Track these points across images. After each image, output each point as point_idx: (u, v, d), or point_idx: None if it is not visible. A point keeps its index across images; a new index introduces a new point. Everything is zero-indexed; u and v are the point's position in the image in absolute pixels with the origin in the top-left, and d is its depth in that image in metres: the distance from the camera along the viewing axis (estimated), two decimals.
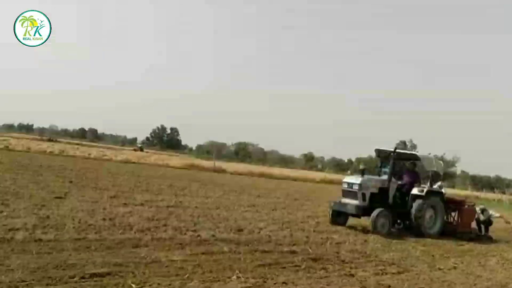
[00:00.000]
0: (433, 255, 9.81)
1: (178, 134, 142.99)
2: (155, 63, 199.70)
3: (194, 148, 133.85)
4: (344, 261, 7.88)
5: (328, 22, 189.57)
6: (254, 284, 5.69)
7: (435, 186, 13.57)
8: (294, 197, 20.84)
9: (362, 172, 12.74)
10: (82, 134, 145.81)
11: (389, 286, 6.49)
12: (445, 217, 13.54)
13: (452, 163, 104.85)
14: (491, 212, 15.07)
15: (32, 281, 4.85)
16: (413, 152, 13.27)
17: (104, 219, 8.90)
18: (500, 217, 15.46)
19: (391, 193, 12.73)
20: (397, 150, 12.90)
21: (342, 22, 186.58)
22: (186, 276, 5.68)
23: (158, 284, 5.18)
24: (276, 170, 50.40)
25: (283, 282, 5.93)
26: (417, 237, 11.97)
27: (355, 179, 12.47)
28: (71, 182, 15.49)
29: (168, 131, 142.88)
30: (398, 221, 13.21)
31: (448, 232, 13.19)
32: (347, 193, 12.53)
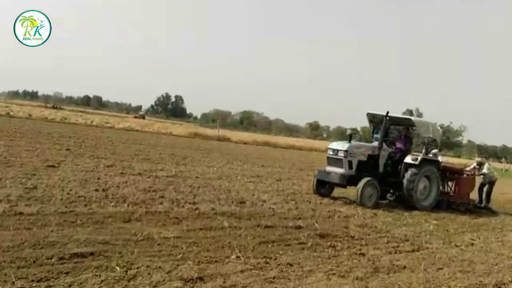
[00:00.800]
0: (447, 230, 9.23)
1: (182, 102, 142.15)
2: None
3: (199, 116, 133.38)
4: (353, 237, 7.29)
5: None
6: (255, 265, 5.09)
7: (430, 154, 12.47)
8: (300, 167, 20.23)
9: (350, 138, 11.56)
10: (86, 102, 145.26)
11: (404, 267, 5.90)
12: (440, 187, 12.47)
13: (458, 133, 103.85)
14: (487, 165, 14.18)
15: (2, 262, 4.27)
16: (407, 117, 11.95)
17: (96, 190, 8.32)
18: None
19: (382, 161, 11.65)
20: (389, 115, 11.69)
21: None
22: (180, 256, 5.09)
23: (147, 266, 4.59)
24: (281, 139, 49.78)
25: (288, 263, 5.34)
26: (425, 211, 11.37)
27: (341, 145, 11.26)
28: (68, 150, 14.91)
29: (173, 99, 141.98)
30: (391, 191, 12.29)
31: (443, 203, 12.23)
32: (332, 161, 11.37)
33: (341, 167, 11.01)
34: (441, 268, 6.13)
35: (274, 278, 4.76)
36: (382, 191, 11.52)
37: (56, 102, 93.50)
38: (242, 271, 4.84)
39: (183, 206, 7.89)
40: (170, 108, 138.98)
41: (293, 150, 39.26)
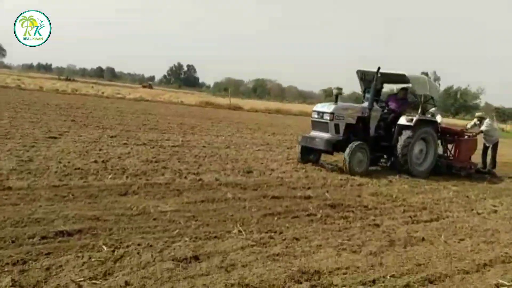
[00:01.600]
0: (467, 196, 8.70)
1: (195, 72, 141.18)
2: None
3: (211, 85, 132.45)
4: (367, 207, 6.81)
5: None
6: (257, 241, 4.65)
7: (429, 115, 11.46)
8: None
9: (336, 98, 10.19)
10: (99, 73, 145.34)
11: (423, 238, 5.42)
12: (439, 151, 11.50)
13: (476, 95, 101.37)
14: (488, 121, 12.66)
15: None
16: (401, 73, 10.83)
17: (95, 162, 7.93)
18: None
19: (373, 123, 10.56)
20: (381, 71, 10.53)
21: None
22: (176, 232, 4.68)
23: (138, 245, 4.18)
24: (294, 106, 48.95)
25: (294, 238, 4.89)
26: (445, 176, 10.81)
27: (327, 107, 10.07)
28: (73, 121, 14.54)
29: (185, 68, 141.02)
30: (385, 156, 11.22)
31: (442, 168, 11.29)
32: (318, 125, 10.22)
33: (327, 131, 9.92)
34: (462, 239, 5.64)
35: (278, 255, 4.32)
36: (374, 156, 10.60)
37: (70, 74, 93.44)
38: (243, 248, 4.40)
39: (185, 177, 7.46)
40: (183, 78, 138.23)
41: (305, 117, 38.49)
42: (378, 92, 11.39)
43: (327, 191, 7.53)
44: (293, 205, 6.36)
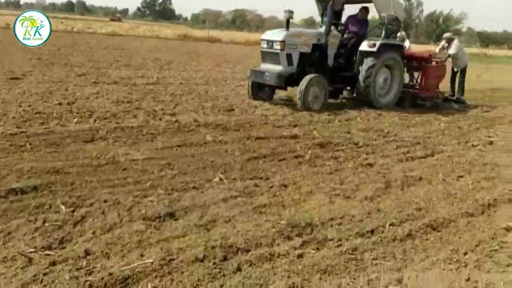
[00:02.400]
0: (459, 127, 8.29)
1: (170, 3, 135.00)
2: None
3: (188, 18, 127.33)
4: (357, 144, 6.33)
5: None
6: (241, 190, 4.15)
7: (396, 39, 10.13)
8: None
9: (287, 24, 8.82)
10: (70, 8, 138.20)
11: (420, 178, 4.99)
12: (404, 80, 10.26)
13: (458, 20, 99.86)
14: (457, 43, 11.20)
15: None
16: None
17: (59, 104, 7.20)
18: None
19: (331, 51, 9.22)
20: None
21: None
22: (148, 183, 4.13)
23: (104, 202, 3.63)
24: None
25: (282, 184, 4.40)
26: (438, 109, 10.34)
27: (277, 35, 8.69)
28: (39, 59, 13.48)
29: (160, 0, 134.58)
30: (348, 88, 10.05)
31: (407, 99, 10.16)
32: (267, 56, 8.95)
33: (278, 63, 8.65)
34: (461, 176, 5.23)
35: (264, 206, 3.83)
36: (334, 89, 9.60)
37: (39, 8, 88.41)
38: (225, 200, 3.90)
39: (160, 119, 6.83)
40: (158, 10, 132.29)
41: None
42: (337, 14, 10.00)
43: (315, 129, 7.01)
44: (279, 146, 5.84)
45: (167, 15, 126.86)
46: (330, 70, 9.22)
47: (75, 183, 3.99)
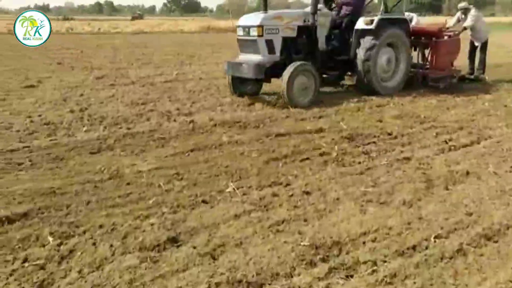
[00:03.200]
0: (505, 105, 7.44)
1: None
2: None
3: (214, 9, 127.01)
4: (391, 134, 5.66)
5: None
6: (257, 203, 3.60)
7: (400, 13, 8.86)
8: None
9: (265, 4, 7.64)
10: (99, 9, 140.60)
11: (467, 172, 4.30)
12: (412, 59, 8.96)
13: None
14: (474, 11, 9.73)
15: None
16: None
17: (71, 111, 6.85)
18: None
19: (321, 33, 7.93)
20: None
21: None
22: (152, 200, 3.65)
23: (100, 227, 3.18)
24: None
25: (304, 192, 3.83)
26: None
27: (253, 19, 7.49)
28: (59, 63, 13.33)
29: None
30: (349, 73, 8.66)
31: (417, 80, 8.89)
32: (245, 45, 7.70)
33: (258, 52, 7.35)
34: None
35: (283, 222, 3.28)
36: (332, 76, 8.39)
37: (68, 13, 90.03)
38: (237, 216, 3.37)
39: (174, 120, 6.36)
40: (183, 5, 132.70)
41: None
42: None
43: (342, 119, 6.37)
44: (302, 143, 5.25)
45: (192, 8, 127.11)
46: (322, 55, 7.95)
47: (71, 206, 3.55)
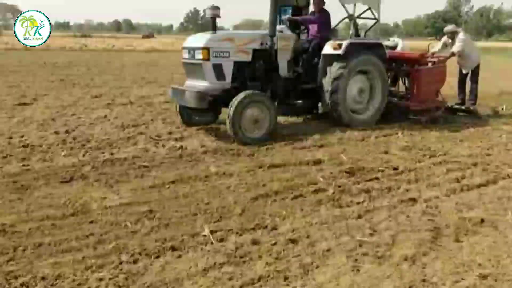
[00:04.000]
0: None
1: None
2: None
3: (230, 29, 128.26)
4: (397, 169, 5.11)
5: None
6: (232, 253, 3.07)
7: (374, 38, 7.77)
8: None
9: (213, 24, 6.43)
10: (117, 27, 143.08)
11: (482, 220, 3.72)
12: (388, 87, 7.85)
13: (511, 14, 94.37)
14: (462, 35, 8.66)
15: None
16: None
17: (56, 133, 6.45)
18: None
19: (283, 57, 6.92)
20: None
21: None
22: (112, 245, 3.13)
23: (42, 278, 2.69)
24: None
25: (290, 240, 3.28)
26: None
27: (199, 40, 6.50)
28: (62, 80, 13.08)
29: (202, 13, 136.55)
30: (320, 104, 7.34)
31: (394, 112, 7.86)
32: (190, 69, 6.76)
33: (203, 78, 6.41)
34: None
35: (258, 280, 2.75)
36: (301, 105, 7.19)
37: (87, 30, 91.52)
38: (205, 270, 2.85)
39: (163, 145, 5.91)
40: (200, 24, 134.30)
41: None
42: (297, 11, 7.79)
43: (344, 150, 5.85)
44: (297, 176, 4.74)
45: (209, 28, 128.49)
46: (284, 82, 6.97)
47: (18, 249, 3.08)
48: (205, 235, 3.34)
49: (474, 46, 9.11)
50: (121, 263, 2.92)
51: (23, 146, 5.70)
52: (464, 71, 8.99)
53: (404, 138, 6.62)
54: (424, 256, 3.10)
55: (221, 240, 3.28)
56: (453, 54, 8.53)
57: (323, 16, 7.43)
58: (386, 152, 5.82)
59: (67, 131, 6.55)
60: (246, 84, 6.58)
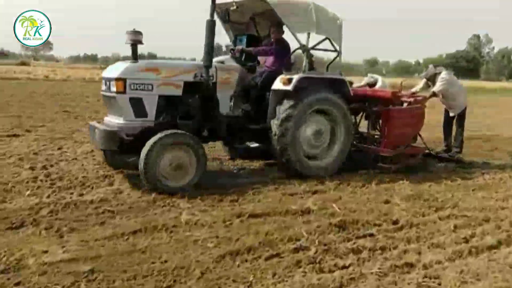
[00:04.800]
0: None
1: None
2: None
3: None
4: (397, 223, 4.48)
5: None
6: None
7: (336, 73, 6.63)
8: None
9: (134, 53, 5.53)
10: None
11: None
12: (352, 131, 6.71)
13: None
14: (445, 74, 7.65)
15: None
16: None
17: (32, 169, 5.98)
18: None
19: (224, 92, 6.06)
20: None
21: None
22: None
23: None
24: None
25: None
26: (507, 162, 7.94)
27: (115, 70, 5.63)
28: (66, 111, 12.86)
29: (224, 48, 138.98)
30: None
31: (360, 159, 6.95)
32: (108, 103, 5.89)
33: (120, 113, 5.55)
34: None
35: None
36: (249, 150, 6.62)
37: (113, 63, 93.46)
38: None
39: (138, 188, 5.36)
40: None
41: None
42: (253, 40, 6.87)
43: (340, 198, 5.24)
44: (278, 229, 4.13)
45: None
46: (228, 121, 6.00)
47: None
48: None
49: (460, 87, 8.01)
50: None
51: None
52: (451, 114, 7.92)
53: (410, 186, 5.96)
54: None
55: None
56: (434, 94, 7.58)
57: (280, 46, 6.44)
58: (387, 202, 5.19)
59: (43, 167, 6.10)
60: (176, 122, 5.62)
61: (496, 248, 3.97)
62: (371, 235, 4.15)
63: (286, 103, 5.95)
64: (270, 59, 6.56)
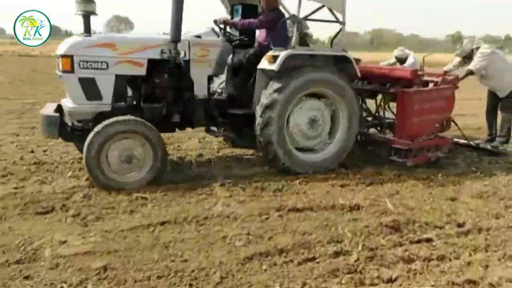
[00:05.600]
0: None
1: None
2: None
3: (324, 40, 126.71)
4: (461, 226, 3.82)
5: None
6: None
7: (335, 48, 5.55)
8: None
9: (86, 26, 4.65)
10: None
11: None
12: (358, 117, 5.52)
13: None
14: (485, 49, 6.35)
15: None
16: None
17: (21, 158, 5.46)
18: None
19: (200, 72, 5.01)
20: None
21: None
22: None
23: None
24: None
25: None
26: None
27: (63, 45, 4.67)
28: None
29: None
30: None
31: (376, 150, 6.05)
32: (63, 83, 4.97)
33: (71, 96, 4.77)
34: None
35: None
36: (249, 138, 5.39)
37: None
38: None
39: (190, 167, 5.18)
40: None
41: None
42: (250, 11, 5.83)
43: (396, 192, 4.62)
44: (319, 228, 3.67)
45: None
46: (205, 106, 5.12)
47: None
48: None
49: (507, 63, 6.51)
50: None
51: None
52: (500, 95, 6.54)
53: (483, 180, 5.17)
54: None
55: None
56: (470, 72, 6.31)
57: (272, 16, 5.32)
58: (453, 199, 4.49)
59: (32, 151, 5.81)
60: (140, 106, 4.90)
61: None
62: (429, 240, 3.55)
63: (270, 87, 4.98)
64: (262, 33, 5.55)
